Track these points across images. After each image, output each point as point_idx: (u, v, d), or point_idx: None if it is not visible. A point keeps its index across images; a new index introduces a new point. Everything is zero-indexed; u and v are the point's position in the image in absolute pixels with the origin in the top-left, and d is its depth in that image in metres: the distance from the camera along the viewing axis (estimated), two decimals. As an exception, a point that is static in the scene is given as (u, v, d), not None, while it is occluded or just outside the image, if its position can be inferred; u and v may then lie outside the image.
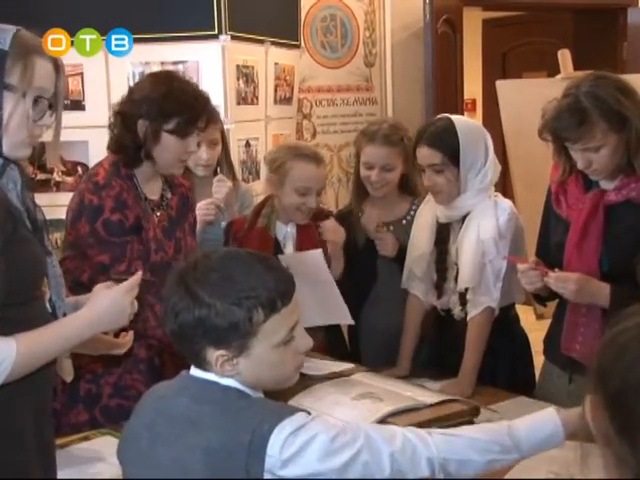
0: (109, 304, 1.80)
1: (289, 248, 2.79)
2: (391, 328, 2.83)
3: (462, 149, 2.53)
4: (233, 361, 1.44)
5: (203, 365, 1.47)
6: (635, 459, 1.03)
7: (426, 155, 2.57)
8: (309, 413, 1.44)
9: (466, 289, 2.57)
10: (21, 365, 1.65)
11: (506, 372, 2.66)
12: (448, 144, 2.53)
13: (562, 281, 2.24)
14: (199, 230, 2.95)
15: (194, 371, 1.51)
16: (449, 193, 2.58)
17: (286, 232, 2.82)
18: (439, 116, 2.69)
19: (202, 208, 2.90)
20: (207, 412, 1.42)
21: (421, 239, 2.71)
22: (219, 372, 1.45)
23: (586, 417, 1.14)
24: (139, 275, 1.87)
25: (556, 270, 2.27)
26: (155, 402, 1.53)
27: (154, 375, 2.45)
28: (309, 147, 2.87)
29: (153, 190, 2.50)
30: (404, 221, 2.92)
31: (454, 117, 2.62)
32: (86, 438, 2.29)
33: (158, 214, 2.48)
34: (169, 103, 2.37)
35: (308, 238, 2.81)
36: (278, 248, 2.80)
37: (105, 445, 2.24)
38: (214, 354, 1.43)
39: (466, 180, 2.56)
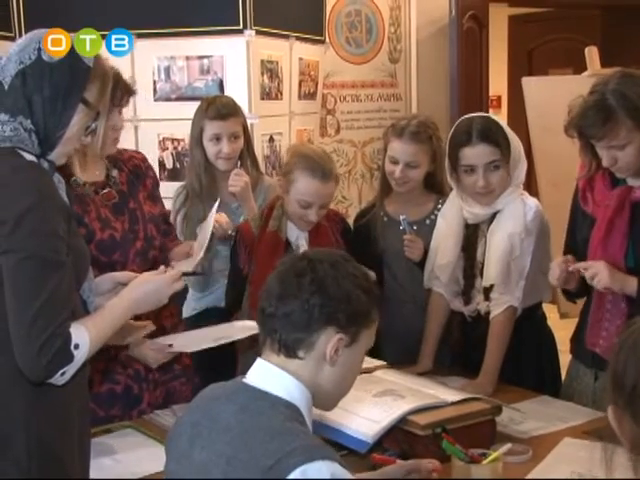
0: (153, 289, 1.91)
1: (302, 248, 2.72)
2: (412, 328, 2.81)
3: (511, 143, 2.53)
4: (339, 351, 1.49)
5: (301, 351, 1.49)
6: None
7: (485, 152, 2.50)
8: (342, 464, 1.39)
9: (491, 286, 2.55)
10: (92, 349, 1.73)
11: (533, 371, 2.65)
12: (502, 139, 2.52)
13: (592, 267, 2.23)
14: (206, 241, 2.95)
15: (250, 377, 1.52)
16: (500, 191, 2.56)
17: (299, 233, 2.76)
18: (469, 115, 2.63)
19: (221, 223, 2.89)
20: (246, 424, 1.42)
21: (447, 246, 2.67)
22: (328, 356, 1.48)
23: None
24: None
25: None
26: (206, 402, 1.54)
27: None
28: (321, 160, 2.67)
29: (94, 173, 2.48)
30: (428, 220, 2.87)
31: (492, 115, 2.64)
32: (108, 431, 2.31)
33: (105, 192, 2.47)
34: None
35: (321, 239, 2.76)
36: (290, 251, 2.71)
37: (126, 438, 2.26)
38: (333, 337, 1.48)
39: (512, 176, 2.55)
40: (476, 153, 2.51)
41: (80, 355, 1.69)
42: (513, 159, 2.53)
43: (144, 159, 2.68)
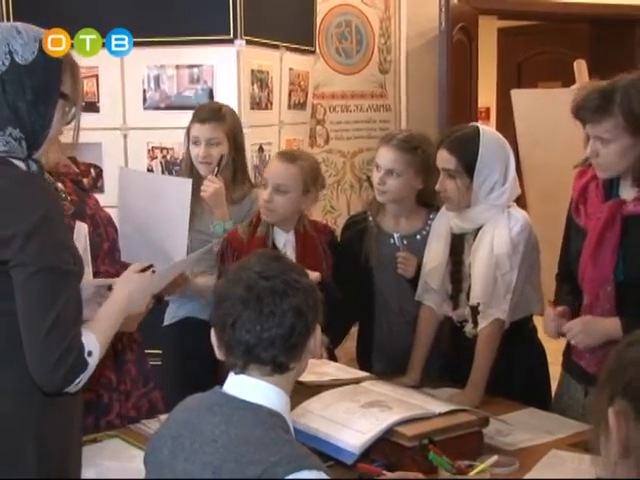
0: (140, 288, 1.90)
1: (289, 256, 2.73)
2: (400, 341, 2.80)
3: (479, 161, 2.53)
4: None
5: (292, 363, 1.51)
6: None
7: (443, 158, 2.58)
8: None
9: (478, 304, 2.56)
10: (101, 354, 1.71)
11: (522, 383, 2.65)
12: (466, 153, 2.54)
13: (567, 330, 2.26)
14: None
15: (228, 387, 1.52)
16: (458, 201, 2.59)
17: (286, 240, 2.78)
18: (471, 124, 2.70)
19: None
20: (231, 434, 1.42)
21: (436, 251, 2.69)
22: (315, 347, 1.55)
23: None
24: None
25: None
26: (185, 414, 1.54)
27: None
28: (295, 150, 2.87)
29: None
30: (419, 236, 2.85)
31: (485, 128, 2.64)
32: (95, 440, 2.29)
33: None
34: None
35: (308, 247, 2.77)
36: None
37: (112, 448, 2.25)
38: (318, 332, 1.55)
39: (477, 193, 2.55)
40: (439, 157, 2.60)
41: (93, 361, 1.68)
42: (478, 176, 2.54)
43: (75, 172, 2.60)
